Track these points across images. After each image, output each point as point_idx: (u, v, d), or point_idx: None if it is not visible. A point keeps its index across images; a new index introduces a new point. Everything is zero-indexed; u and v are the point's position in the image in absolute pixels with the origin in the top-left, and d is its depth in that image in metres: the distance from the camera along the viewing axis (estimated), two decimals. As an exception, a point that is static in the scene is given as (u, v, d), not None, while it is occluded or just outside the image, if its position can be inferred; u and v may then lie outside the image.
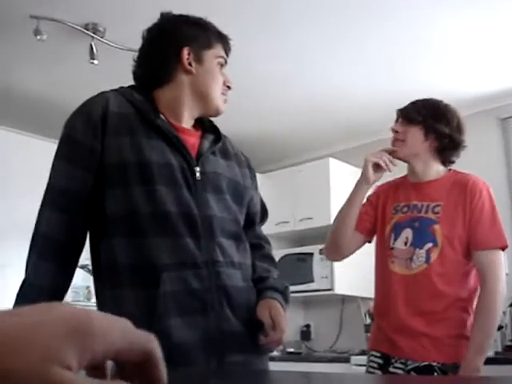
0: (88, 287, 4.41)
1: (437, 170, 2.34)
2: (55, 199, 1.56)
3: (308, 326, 5.36)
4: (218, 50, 1.81)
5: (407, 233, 2.26)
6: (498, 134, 4.53)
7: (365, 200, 2.40)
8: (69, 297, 4.28)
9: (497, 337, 3.97)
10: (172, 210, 1.50)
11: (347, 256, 2.46)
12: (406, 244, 2.25)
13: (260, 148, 5.47)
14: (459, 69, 4.05)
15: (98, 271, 1.59)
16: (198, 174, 1.58)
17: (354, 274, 4.41)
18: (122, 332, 0.39)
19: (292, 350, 5.03)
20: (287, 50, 3.82)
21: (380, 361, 2.23)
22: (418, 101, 2.39)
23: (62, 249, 1.55)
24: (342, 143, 5.37)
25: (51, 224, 1.53)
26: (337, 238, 2.37)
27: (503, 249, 2.31)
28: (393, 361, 2.18)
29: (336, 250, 2.44)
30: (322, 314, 5.33)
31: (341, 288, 4.70)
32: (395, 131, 2.32)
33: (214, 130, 1.77)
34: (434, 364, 2.11)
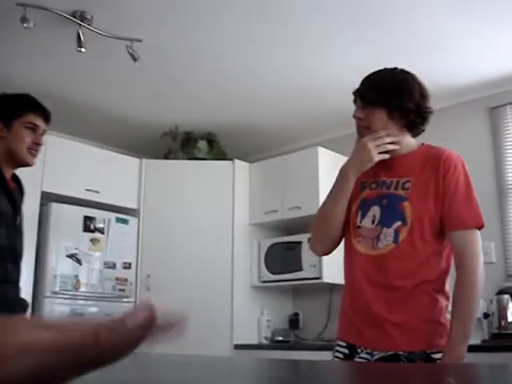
0: (77, 276, 4.40)
1: (407, 144, 2.16)
2: None
3: (296, 314, 5.38)
4: (29, 117, 2.51)
5: (375, 211, 2.09)
6: (487, 123, 4.55)
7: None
8: (57, 286, 4.27)
9: (484, 325, 4.01)
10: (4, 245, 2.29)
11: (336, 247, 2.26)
12: (373, 222, 2.08)
13: (249, 137, 5.46)
14: (448, 58, 4.06)
15: None
16: (18, 220, 2.41)
17: (343, 263, 4.42)
18: (47, 346, 0.39)
19: (280, 338, 5.05)
20: (278, 40, 3.81)
21: (346, 351, 2.06)
22: (372, 76, 2.17)
23: None
24: (330, 132, 5.37)
25: None
26: (326, 235, 2.20)
27: (480, 228, 2.02)
28: (359, 351, 2.01)
29: (326, 247, 2.25)
30: (311, 302, 5.35)
31: (329, 277, 4.71)
32: (358, 118, 2.12)
33: (18, 181, 2.56)
34: (401, 353, 1.92)
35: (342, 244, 2.23)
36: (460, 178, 2.03)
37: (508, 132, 4.46)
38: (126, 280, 4.80)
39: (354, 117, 2.13)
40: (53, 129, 5.13)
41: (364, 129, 2.11)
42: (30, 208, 4.34)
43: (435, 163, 2.07)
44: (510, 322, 3.81)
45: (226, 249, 5.03)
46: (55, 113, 4.96)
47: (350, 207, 2.16)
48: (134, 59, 3.76)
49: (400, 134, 2.12)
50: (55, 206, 4.48)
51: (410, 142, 2.18)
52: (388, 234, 2.03)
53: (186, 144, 5.44)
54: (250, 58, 4.10)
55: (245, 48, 3.95)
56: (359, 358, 1.99)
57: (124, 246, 4.85)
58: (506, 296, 3.86)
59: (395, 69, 2.23)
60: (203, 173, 5.19)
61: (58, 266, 4.35)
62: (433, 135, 4.99)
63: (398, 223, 2.02)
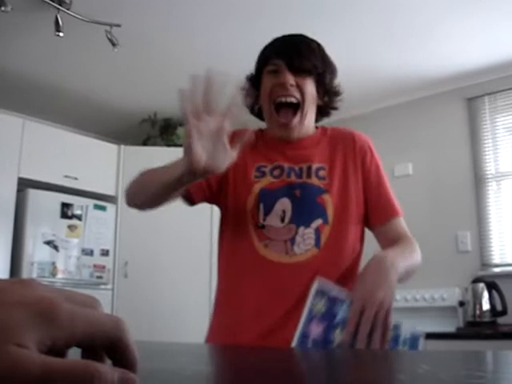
0: (54, 263, 4.37)
1: (312, 126, 1.79)
2: None
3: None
4: None
5: (284, 204, 1.62)
6: (464, 113, 4.59)
7: None
8: (34, 273, 4.24)
9: (459, 313, 4.07)
10: None
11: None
12: (282, 220, 1.61)
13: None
14: (426, 48, 4.08)
15: None
16: None
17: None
18: (86, 319, 0.39)
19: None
20: (257, 28, 3.80)
21: None
22: (300, 40, 1.73)
23: None
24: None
25: None
26: (147, 198, 1.72)
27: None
28: None
29: (142, 205, 1.80)
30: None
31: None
32: (291, 85, 1.64)
33: None
34: None
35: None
36: (379, 164, 1.74)
37: (485, 122, 4.51)
38: (104, 267, 4.78)
39: (285, 84, 1.65)
40: (30, 114, 5.09)
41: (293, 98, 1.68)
42: (6, 194, 4.32)
43: (347, 147, 1.74)
44: (484, 311, 3.86)
45: (205, 235, 5.02)
46: (33, 98, 4.93)
47: (243, 200, 1.66)
48: (113, 44, 3.73)
49: (313, 114, 1.77)
50: (32, 193, 4.44)
51: (312, 124, 1.79)
52: (307, 235, 1.60)
53: (165, 131, 5.42)
54: (230, 44, 4.08)
55: (225, 34, 3.93)
56: None
57: (102, 233, 4.82)
58: (481, 284, 3.92)
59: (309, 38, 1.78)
60: (182, 160, 5.16)
61: (35, 252, 4.32)
62: (411, 124, 5.05)
63: (319, 221, 1.61)
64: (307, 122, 1.72)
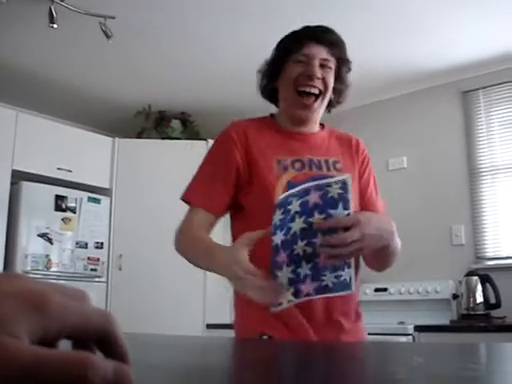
0: (48, 256, 4.37)
1: (318, 126, 1.86)
2: None
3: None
4: None
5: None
6: (459, 106, 4.59)
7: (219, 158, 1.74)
8: (28, 265, 4.24)
9: (452, 305, 4.08)
10: None
11: None
12: None
13: (223, 117, 5.42)
14: (422, 42, 4.07)
15: None
16: None
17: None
18: (77, 311, 0.39)
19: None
20: (253, 22, 3.79)
21: None
22: (330, 30, 1.78)
23: None
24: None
25: None
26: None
27: None
28: None
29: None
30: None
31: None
32: (317, 78, 1.70)
33: None
34: None
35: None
36: (371, 166, 1.84)
37: (479, 116, 4.51)
38: (98, 260, 4.77)
39: (314, 75, 1.70)
40: (24, 106, 5.07)
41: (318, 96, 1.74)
42: (0, 187, 4.30)
43: (349, 147, 1.82)
44: (478, 304, 3.88)
45: (199, 229, 5.02)
46: (26, 90, 4.91)
47: (267, 192, 1.62)
48: (108, 36, 3.71)
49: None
50: (26, 185, 4.42)
51: (319, 119, 1.86)
52: None
53: (160, 123, 5.40)
54: (224, 37, 4.07)
55: (219, 26, 3.92)
56: None
57: (96, 226, 4.82)
58: (475, 277, 3.93)
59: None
60: (176, 152, 5.15)
61: (29, 245, 4.31)
62: (405, 118, 5.05)
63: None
64: (321, 112, 1.79)
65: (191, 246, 1.69)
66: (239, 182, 1.69)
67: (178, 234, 1.74)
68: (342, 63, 1.77)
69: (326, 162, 1.72)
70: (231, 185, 1.69)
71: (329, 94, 1.75)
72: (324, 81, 1.71)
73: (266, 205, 1.51)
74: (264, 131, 1.77)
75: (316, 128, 1.82)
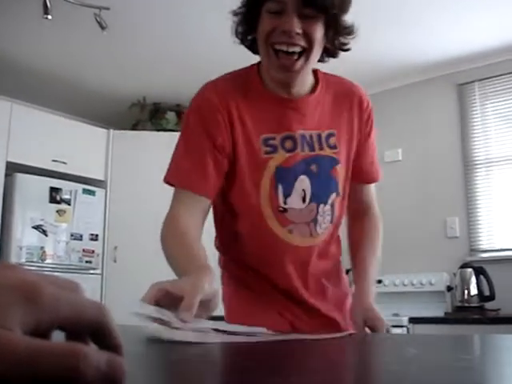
0: (43, 248, 4.36)
1: (311, 79, 1.53)
2: None
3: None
4: None
5: (303, 183, 1.44)
6: (455, 99, 4.59)
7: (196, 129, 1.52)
8: (23, 257, 4.23)
9: (447, 297, 4.10)
10: None
11: None
12: (304, 200, 1.46)
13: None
14: (419, 35, 4.07)
15: None
16: None
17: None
18: (70, 303, 0.39)
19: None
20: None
21: None
22: None
23: None
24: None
25: None
26: None
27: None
28: None
29: None
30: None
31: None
32: (296, 33, 1.33)
33: None
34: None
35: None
36: (373, 124, 1.60)
37: (475, 108, 4.51)
38: (93, 252, 4.77)
39: (291, 32, 1.33)
40: (19, 98, 5.05)
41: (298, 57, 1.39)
42: (-6, 178, 4.29)
43: (350, 109, 1.54)
44: (472, 296, 3.89)
45: (194, 221, 5.02)
46: (21, 82, 4.89)
47: (256, 181, 1.44)
48: (102, 28, 3.69)
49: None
50: (20, 177, 4.41)
51: (311, 76, 1.53)
52: (326, 212, 1.49)
53: (155, 115, 5.39)
54: (220, 29, 4.06)
55: (215, 19, 3.91)
56: None
57: (91, 218, 4.81)
58: (469, 270, 3.94)
59: None
60: (171, 144, 5.07)
61: (24, 237, 4.30)
62: (401, 110, 5.04)
63: (333, 195, 1.50)
64: (309, 69, 1.46)
65: (168, 244, 1.53)
66: (225, 159, 1.44)
67: (162, 226, 1.53)
68: (333, 7, 1.36)
69: (319, 136, 1.47)
70: (219, 159, 1.43)
71: (316, 50, 1.39)
72: (307, 35, 1.34)
73: (250, 193, 1.44)
74: (248, 98, 1.46)
75: (307, 87, 1.50)
